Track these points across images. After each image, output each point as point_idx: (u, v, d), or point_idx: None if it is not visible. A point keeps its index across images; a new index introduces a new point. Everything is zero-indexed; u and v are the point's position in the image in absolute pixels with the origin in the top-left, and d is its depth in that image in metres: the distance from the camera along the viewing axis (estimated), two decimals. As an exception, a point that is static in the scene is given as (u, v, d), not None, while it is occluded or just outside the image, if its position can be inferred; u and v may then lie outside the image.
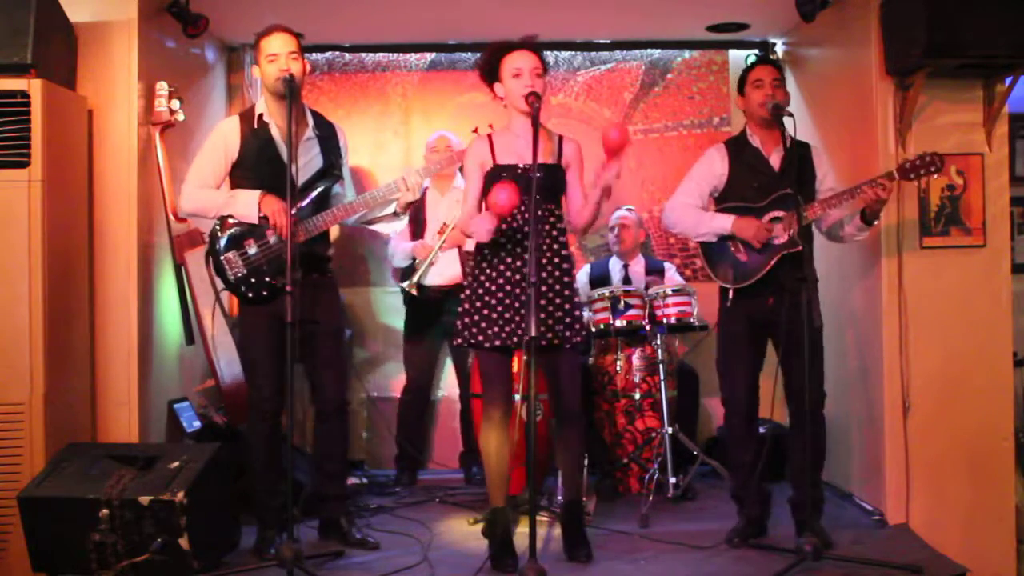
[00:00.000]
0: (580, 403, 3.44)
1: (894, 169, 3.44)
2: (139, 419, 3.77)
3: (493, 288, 3.30)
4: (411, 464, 4.79)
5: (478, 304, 3.31)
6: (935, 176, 3.48)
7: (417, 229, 4.71)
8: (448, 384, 5.07)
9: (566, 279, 3.34)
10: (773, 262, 3.47)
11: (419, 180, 3.55)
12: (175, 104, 3.98)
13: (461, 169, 4.09)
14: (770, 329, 3.52)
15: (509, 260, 3.30)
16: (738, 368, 3.59)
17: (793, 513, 3.57)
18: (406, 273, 4.67)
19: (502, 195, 3.07)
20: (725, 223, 3.54)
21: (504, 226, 3.27)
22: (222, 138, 3.49)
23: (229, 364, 4.10)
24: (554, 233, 3.33)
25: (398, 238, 4.76)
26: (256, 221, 3.44)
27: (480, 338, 3.29)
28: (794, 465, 3.61)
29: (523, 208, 3.23)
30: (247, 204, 3.43)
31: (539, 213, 3.27)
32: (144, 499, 3.12)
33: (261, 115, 3.49)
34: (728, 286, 3.57)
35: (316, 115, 3.61)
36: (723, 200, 3.65)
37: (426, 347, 4.80)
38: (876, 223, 3.53)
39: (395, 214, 3.65)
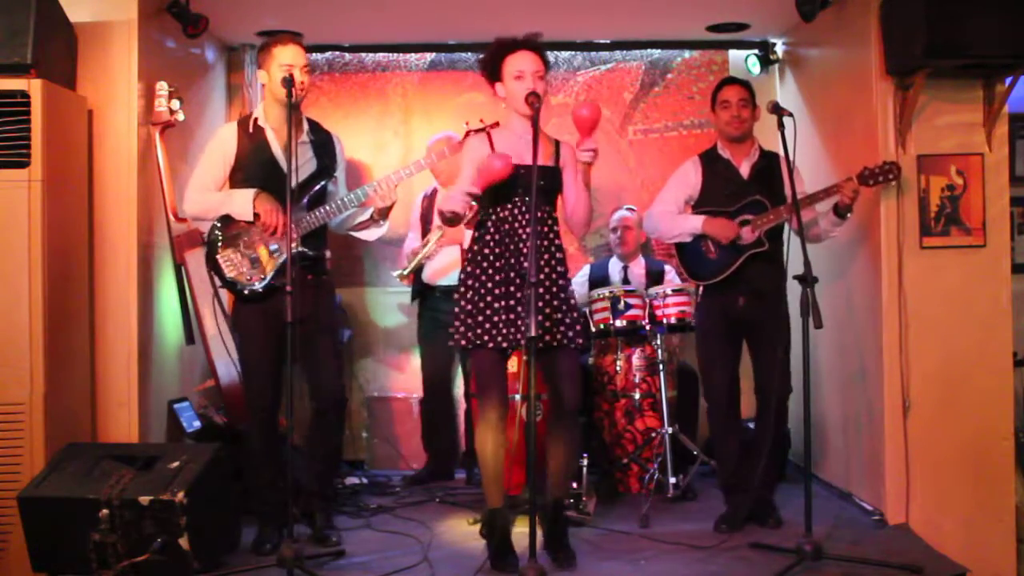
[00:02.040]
0: (578, 403, 3.41)
1: (854, 176, 3.64)
2: (139, 419, 3.78)
3: (485, 291, 3.27)
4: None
5: (469, 307, 3.29)
6: (892, 182, 3.70)
7: (426, 229, 4.69)
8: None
9: (562, 281, 3.33)
10: (741, 260, 3.72)
11: (391, 185, 3.56)
12: (175, 104, 3.99)
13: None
14: (744, 327, 3.80)
15: (500, 263, 3.28)
16: (716, 362, 3.83)
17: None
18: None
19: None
20: (696, 223, 3.80)
21: (474, 205, 3.28)
22: (221, 144, 3.59)
23: (228, 364, 4.10)
24: (550, 235, 3.33)
25: (409, 240, 4.75)
26: (251, 219, 3.50)
27: (477, 340, 3.27)
28: (757, 452, 3.79)
29: (521, 208, 3.25)
30: (242, 203, 3.51)
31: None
32: (144, 499, 3.12)
33: (256, 119, 3.58)
34: (699, 283, 3.87)
35: (312, 123, 3.70)
36: (698, 206, 3.90)
37: (439, 346, 4.72)
38: (849, 216, 3.72)
39: (372, 219, 3.68)
